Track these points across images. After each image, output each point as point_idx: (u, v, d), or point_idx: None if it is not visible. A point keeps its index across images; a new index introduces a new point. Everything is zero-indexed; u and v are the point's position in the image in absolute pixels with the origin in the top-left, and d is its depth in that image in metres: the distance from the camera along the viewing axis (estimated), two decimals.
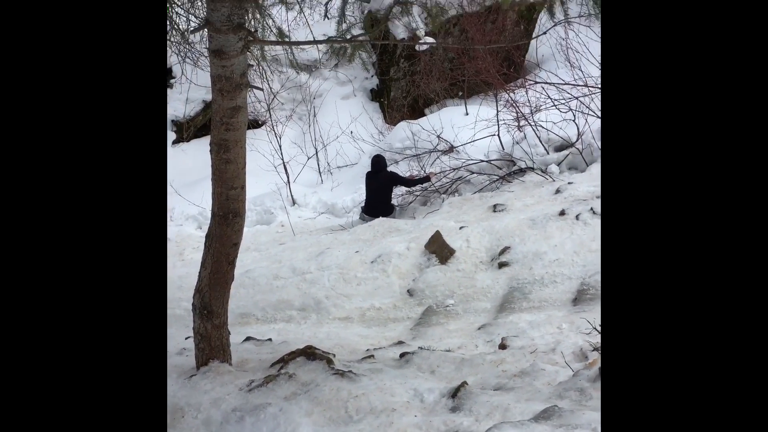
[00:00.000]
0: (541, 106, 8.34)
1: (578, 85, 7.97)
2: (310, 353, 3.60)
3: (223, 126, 3.31)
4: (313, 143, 10.35)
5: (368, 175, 8.42)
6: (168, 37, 8.98)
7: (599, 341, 3.73)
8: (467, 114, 9.40)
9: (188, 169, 9.49)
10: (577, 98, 7.98)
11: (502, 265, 5.86)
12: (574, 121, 8.11)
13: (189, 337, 4.14)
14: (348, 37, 10.87)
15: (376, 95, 11.51)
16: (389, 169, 8.58)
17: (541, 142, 8.29)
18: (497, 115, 8.60)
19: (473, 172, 8.50)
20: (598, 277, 5.13)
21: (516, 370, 3.50)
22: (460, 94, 10.48)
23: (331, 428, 2.92)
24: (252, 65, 6.24)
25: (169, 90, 10.55)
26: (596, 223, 5.90)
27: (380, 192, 8.27)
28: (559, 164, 8.00)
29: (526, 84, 8.81)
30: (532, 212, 6.47)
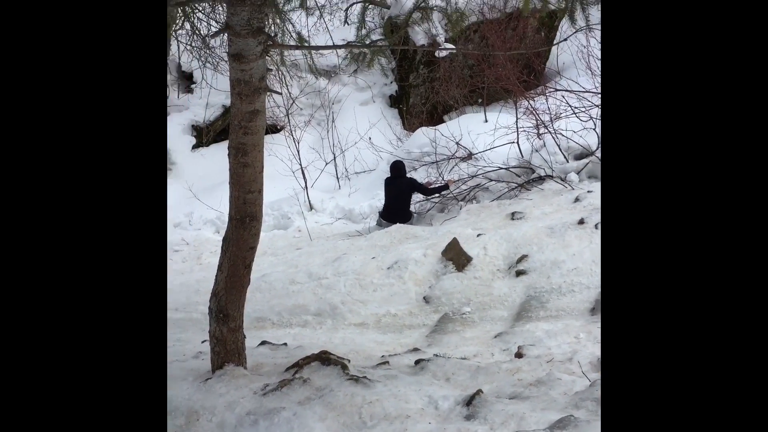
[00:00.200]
0: (561, 113, 8.30)
1: (599, 93, 7.92)
2: (324, 358, 3.60)
3: (242, 130, 3.32)
4: (331, 148, 10.37)
5: (387, 180, 8.41)
6: (189, 42, 9.05)
7: None
8: (486, 121, 9.37)
9: (207, 173, 9.55)
10: (597, 106, 7.93)
11: (519, 273, 5.82)
12: (594, 129, 8.05)
13: (205, 341, 4.15)
14: (367, 42, 10.89)
15: (395, 101, 11.52)
16: (408, 175, 8.57)
17: (560, 150, 8.24)
18: (517, 122, 8.57)
19: (491, 180, 8.46)
20: None
21: (532, 379, 3.47)
22: (480, 101, 10.46)
23: None
24: (271, 70, 6.26)
25: (189, 95, 10.64)
26: None
27: (399, 198, 8.26)
28: (578, 173, 7.95)
29: (546, 91, 8.77)
30: (551, 220, 6.43)
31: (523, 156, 8.57)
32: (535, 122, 8.39)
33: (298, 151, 9.44)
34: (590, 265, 5.62)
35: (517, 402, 3.09)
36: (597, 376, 3.46)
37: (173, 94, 10.66)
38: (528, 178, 8.28)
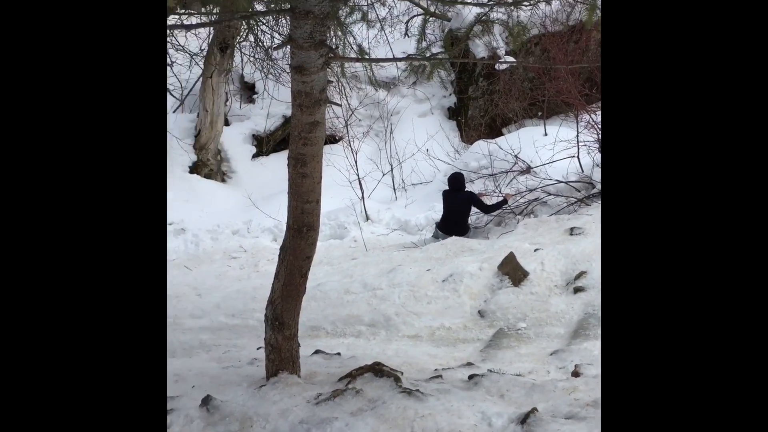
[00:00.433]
0: None
1: None
2: (378, 369, 3.59)
3: (301, 140, 3.36)
4: (388, 160, 10.40)
5: (446, 193, 8.37)
6: (252, 54, 9.24)
7: None
8: (546, 134, 9.25)
9: (266, 182, 9.70)
10: None
11: (577, 290, 5.71)
12: None
13: (260, 348, 4.20)
14: (427, 55, 10.91)
15: (453, 113, 11.48)
16: (467, 189, 8.51)
17: None
18: (577, 136, 8.43)
19: (550, 194, 8.34)
20: None
21: (589, 399, 3.39)
22: (540, 114, 10.33)
23: None
24: (332, 81, 6.34)
25: (251, 105, 10.84)
26: None
27: (457, 211, 8.21)
28: None
29: None
30: None
31: (583, 170, 8.42)
32: (596, 136, 8.24)
33: (356, 162, 9.50)
34: None
35: (574, 422, 3.02)
36: None
37: (235, 104, 10.88)
38: (588, 193, 8.13)
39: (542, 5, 9.96)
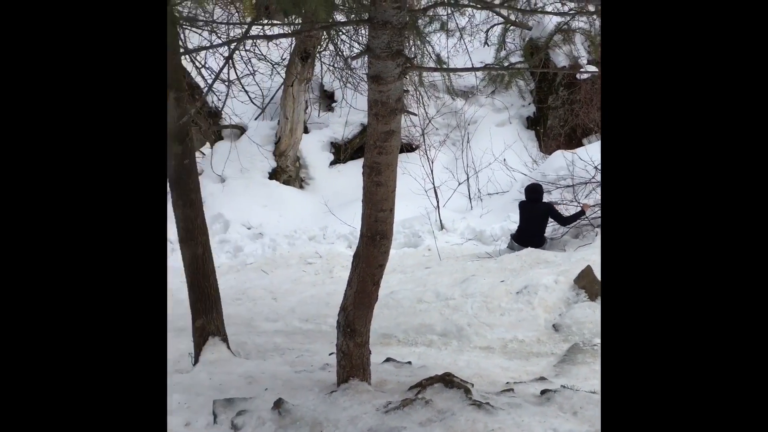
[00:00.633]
0: None
1: None
2: (448, 380, 3.57)
3: (376, 149, 3.39)
4: (464, 169, 10.35)
5: (522, 203, 8.26)
6: (331, 63, 9.38)
7: None
8: None
9: (343, 189, 9.82)
10: None
11: None
12: None
13: (332, 353, 4.25)
14: (506, 64, 10.81)
15: (532, 123, 11.33)
16: (544, 199, 8.38)
17: None
18: None
19: None
20: None
21: None
22: None
23: None
24: (408, 90, 6.37)
25: (329, 113, 11.01)
26: None
27: (535, 222, 8.08)
28: None
29: None
30: None
31: None
32: None
33: (432, 171, 9.50)
34: None
35: None
36: None
37: (315, 112, 11.08)
38: None
39: None
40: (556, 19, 10.30)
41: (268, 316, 6.47)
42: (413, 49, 6.49)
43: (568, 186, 8.79)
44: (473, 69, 4.13)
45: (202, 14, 5.08)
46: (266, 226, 9.19)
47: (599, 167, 8.64)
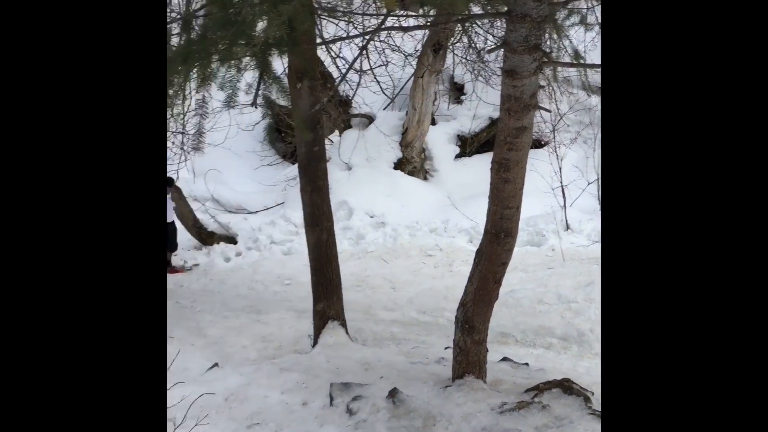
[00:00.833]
0: None
1: None
2: (567, 386, 3.46)
3: (506, 145, 3.32)
4: (595, 168, 9.97)
5: None
6: (464, 55, 9.31)
7: None
8: None
9: (467, 183, 9.73)
10: None
11: None
12: None
13: (448, 348, 4.23)
14: None
15: None
16: None
17: None
18: None
19: None
20: None
21: None
22: None
23: None
24: (543, 86, 6.21)
25: (458, 105, 10.94)
26: None
27: None
28: None
29: None
30: None
31: None
32: None
33: (560, 169, 9.22)
34: None
35: None
36: None
37: (443, 104, 11.04)
38: None
39: None
40: None
41: (386, 304, 6.55)
42: (549, 43, 6.31)
43: None
44: None
45: (341, 4, 5.17)
46: (389, 215, 9.28)
47: None
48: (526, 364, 4.53)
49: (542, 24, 2.98)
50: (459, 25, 7.63)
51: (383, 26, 5.12)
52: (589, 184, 9.88)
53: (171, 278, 7.79)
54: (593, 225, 8.96)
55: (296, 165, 8.38)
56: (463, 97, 11.04)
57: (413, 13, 6.43)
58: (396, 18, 5.08)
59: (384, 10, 5.83)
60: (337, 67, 8.87)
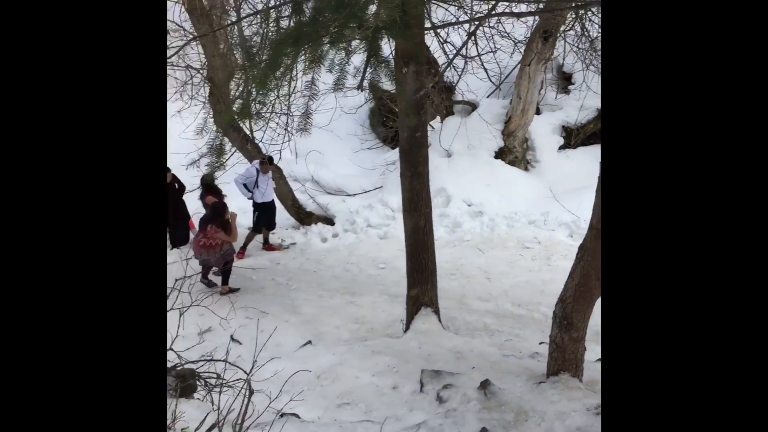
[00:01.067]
0: None
1: None
2: None
3: None
4: None
5: None
6: (576, 44, 9.02)
7: None
8: None
9: (570, 175, 9.46)
10: None
11: None
12: None
13: (543, 343, 4.14)
14: None
15: None
16: None
17: None
18: None
19: None
20: None
21: None
22: None
23: None
24: None
25: (565, 95, 10.63)
26: None
27: None
28: None
29: None
30: None
31: None
32: None
33: None
34: None
35: None
36: None
37: (550, 94, 10.77)
38: None
39: None
40: None
41: (480, 295, 6.48)
42: None
43: None
44: None
45: None
46: (487, 204, 9.15)
47: None
48: None
49: None
50: (572, 12, 7.39)
51: (494, 12, 5.01)
52: None
53: (268, 256, 8.01)
54: None
55: (396, 150, 8.41)
56: (571, 87, 10.71)
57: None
58: (507, 3, 4.97)
59: None
60: (445, 52, 8.79)
